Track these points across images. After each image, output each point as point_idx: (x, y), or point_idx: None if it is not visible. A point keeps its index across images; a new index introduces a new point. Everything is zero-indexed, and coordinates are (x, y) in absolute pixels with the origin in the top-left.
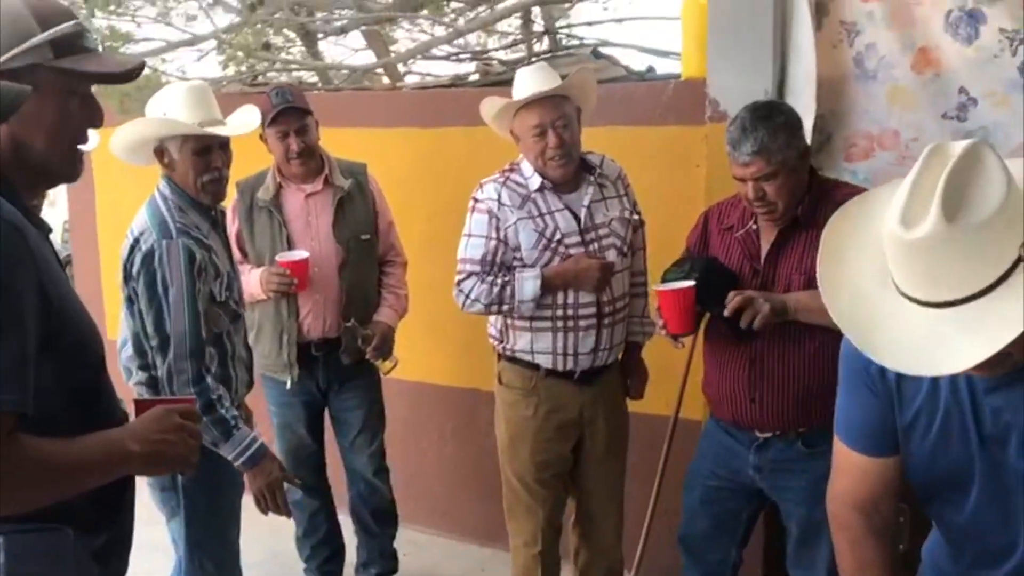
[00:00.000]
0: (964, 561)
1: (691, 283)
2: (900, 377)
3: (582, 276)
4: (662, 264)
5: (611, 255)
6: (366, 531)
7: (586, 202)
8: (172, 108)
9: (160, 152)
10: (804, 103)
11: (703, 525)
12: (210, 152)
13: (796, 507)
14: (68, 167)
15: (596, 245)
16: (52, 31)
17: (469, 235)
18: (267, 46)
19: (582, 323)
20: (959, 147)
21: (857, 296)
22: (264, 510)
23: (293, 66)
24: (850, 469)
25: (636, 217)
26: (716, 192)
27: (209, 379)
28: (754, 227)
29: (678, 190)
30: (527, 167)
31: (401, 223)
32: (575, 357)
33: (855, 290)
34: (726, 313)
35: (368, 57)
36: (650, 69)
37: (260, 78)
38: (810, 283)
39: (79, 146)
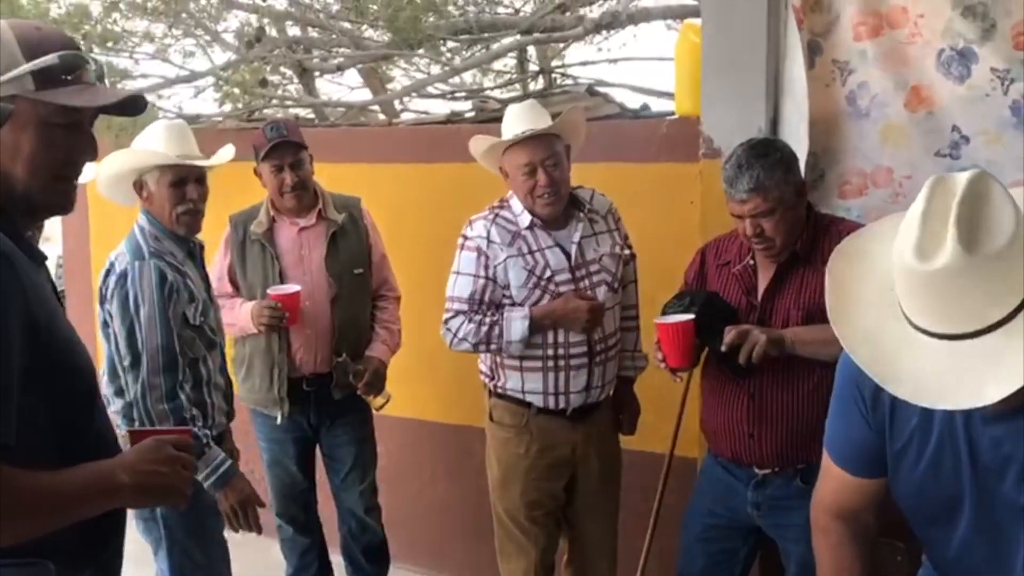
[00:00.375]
0: None
1: (690, 316)
2: (894, 404)
3: (571, 316)
4: (656, 300)
5: (602, 292)
6: (357, 570)
7: (576, 239)
8: (152, 144)
9: (139, 185)
10: (797, 141)
11: (701, 564)
12: (185, 184)
13: (795, 545)
14: (54, 198)
15: (587, 282)
16: (32, 64)
17: (458, 273)
18: (264, 83)
19: (573, 362)
20: (963, 178)
21: (870, 332)
22: (236, 527)
23: (289, 103)
24: (834, 482)
25: (627, 252)
26: (710, 228)
27: (183, 397)
28: (751, 262)
29: (672, 226)
30: (517, 204)
31: (395, 258)
32: (567, 396)
33: (867, 326)
34: (723, 347)
35: (364, 95)
36: (644, 107)
37: (256, 114)
38: (808, 318)
39: (73, 179)
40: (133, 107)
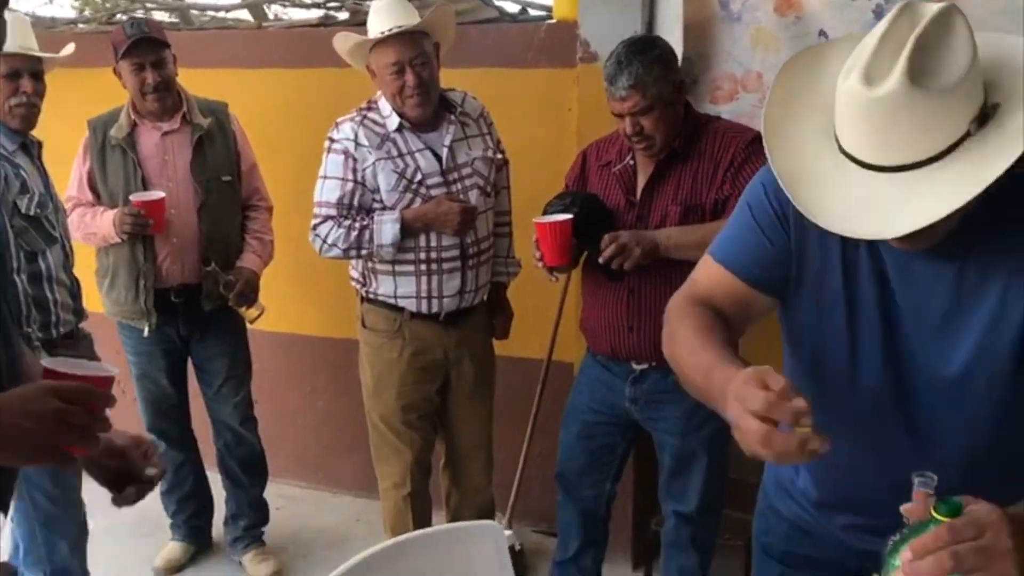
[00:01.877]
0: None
1: (568, 216)
2: (806, 228)
3: (443, 219)
4: (533, 205)
5: (474, 196)
6: (235, 483)
7: (447, 142)
8: None
9: None
10: (673, 45)
11: (580, 460)
12: (20, 77)
13: (670, 437)
14: None
15: (459, 186)
16: None
17: (325, 177)
18: None
19: (446, 266)
20: (931, 8)
21: (799, 151)
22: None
23: (152, 6)
24: (710, 280)
25: (500, 156)
26: (587, 134)
27: (19, 287)
28: (631, 162)
29: (550, 132)
30: (385, 105)
31: (267, 168)
32: (440, 300)
33: (799, 146)
34: (600, 260)
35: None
36: (523, 11)
37: (118, 18)
38: (686, 214)
39: None
40: None
